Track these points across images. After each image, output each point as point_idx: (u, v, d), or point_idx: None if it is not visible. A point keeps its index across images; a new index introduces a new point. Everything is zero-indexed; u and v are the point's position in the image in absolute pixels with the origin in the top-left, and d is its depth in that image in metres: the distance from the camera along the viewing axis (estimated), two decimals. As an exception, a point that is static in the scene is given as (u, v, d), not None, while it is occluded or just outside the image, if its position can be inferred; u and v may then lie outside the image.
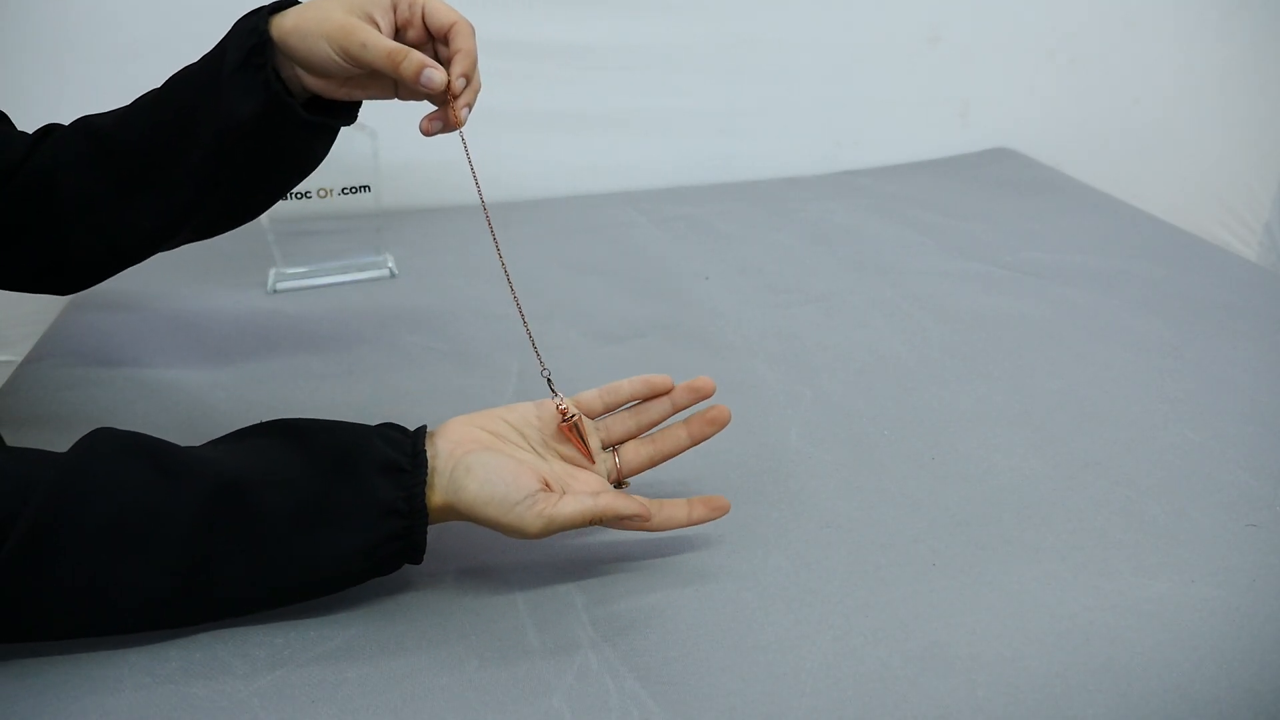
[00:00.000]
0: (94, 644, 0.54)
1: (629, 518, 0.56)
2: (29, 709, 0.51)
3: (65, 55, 1.12)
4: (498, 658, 0.54)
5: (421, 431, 0.58)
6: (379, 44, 0.61)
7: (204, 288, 1.02)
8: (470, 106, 0.64)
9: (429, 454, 0.57)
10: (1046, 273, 1.04)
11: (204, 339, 0.91)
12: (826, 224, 1.19)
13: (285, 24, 0.63)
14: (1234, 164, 1.58)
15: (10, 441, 0.74)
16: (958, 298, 0.98)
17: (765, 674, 0.53)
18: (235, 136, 0.65)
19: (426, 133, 0.64)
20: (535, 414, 0.61)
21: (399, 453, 0.56)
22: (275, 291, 1.02)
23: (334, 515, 0.54)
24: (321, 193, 1.00)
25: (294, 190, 0.98)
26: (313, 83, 0.64)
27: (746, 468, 0.71)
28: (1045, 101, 1.48)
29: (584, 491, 0.57)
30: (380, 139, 0.99)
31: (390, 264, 1.06)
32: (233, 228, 0.75)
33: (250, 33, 0.63)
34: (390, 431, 0.58)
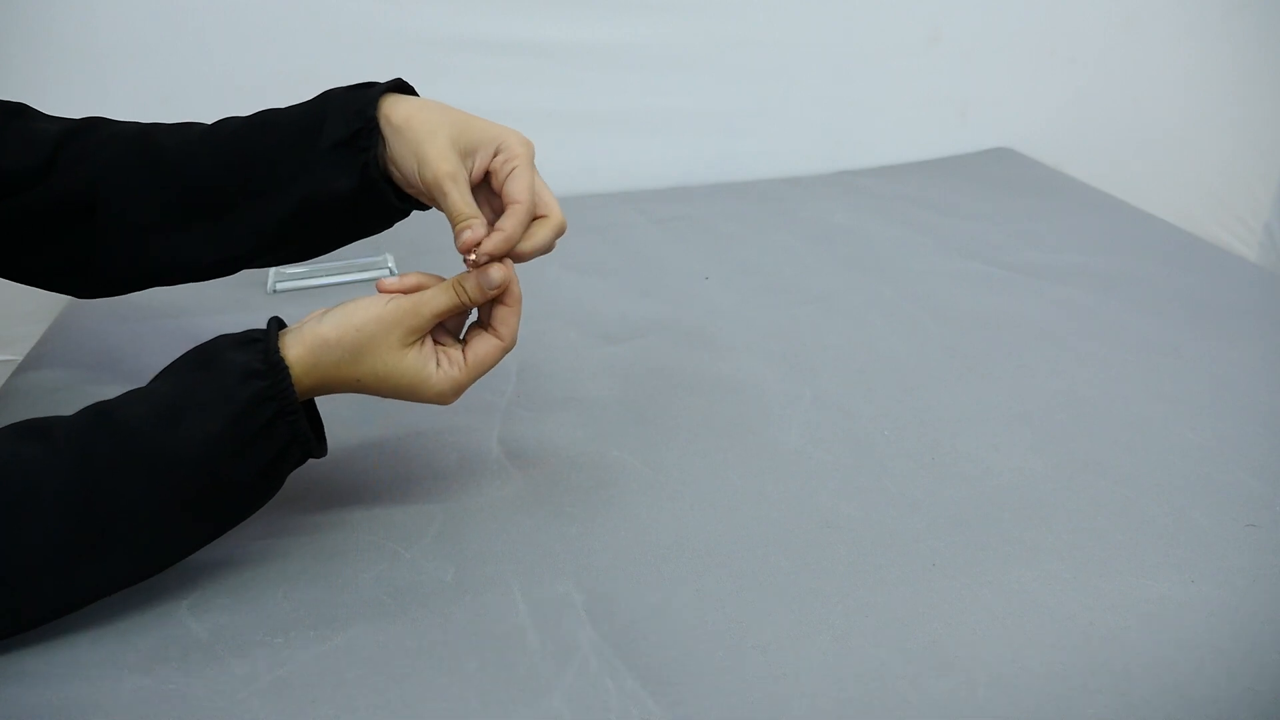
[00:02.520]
0: (93, 643, 0.54)
1: (488, 273, 0.58)
2: (29, 708, 0.50)
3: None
4: (498, 658, 0.54)
5: (274, 319, 0.60)
6: (455, 205, 0.60)
7: (204, 288, 1.02)
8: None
9: (282, 332, 0.58)
10: (1046, 273, 1.04)
11: (203, 339, 0.91)
12: (826, 224, 1.19)
13: (394, 117, 0.62)
14: (1234, 164, 1.58)
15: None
16: (958, 298, 0.98)
17: (765, 674, 0.53)
18: (320, 209, 0.64)
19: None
20: (386, 299, 0.60)
21: (252, 331, 0.57)
22: (275, 291, 1.02)
23: (195, 401, 0.54)
24: (321, 193, 1.00)
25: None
26: (396, 176, 0.64)
27: (746, 468, 0.71)
28: (1045, 101, 1.48)
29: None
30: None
31: (390, 264, 1.06)
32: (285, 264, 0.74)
33: (358, 115, 0.62)
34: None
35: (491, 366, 0.61)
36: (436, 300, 0.58)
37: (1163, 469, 0.70)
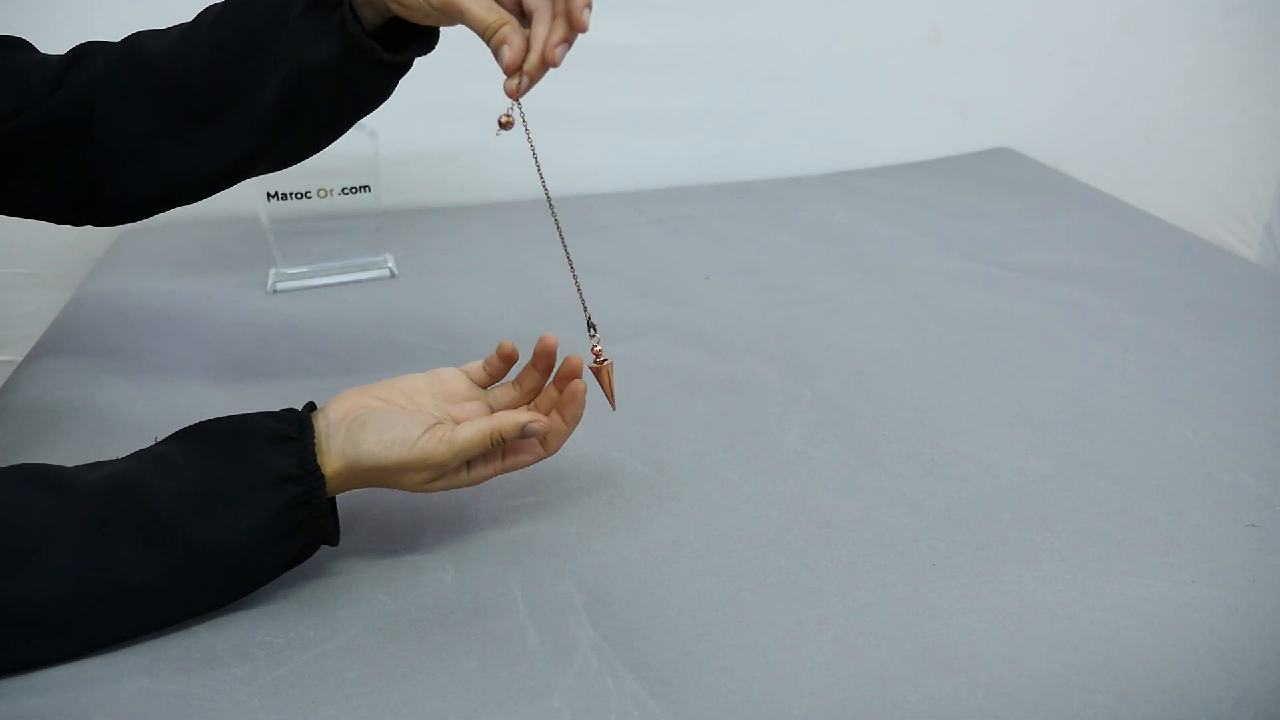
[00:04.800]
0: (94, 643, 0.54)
1: (525, 425, 0.57)
2: (29, 709, 0.51)
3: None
4: (498, 658, 0.54)
5: (309, 406, 0.59)
6: (478, 16, 0.57)
7: (204, 288, 1.02)
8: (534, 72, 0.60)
9: (320, 423, 0.57)
10: (1046, 273, 1.04)
11: (204, 339, 0.91)
12: (826, 224, 1.19)
13: None
14: (1234, 164, 1.58)
15: (11, 441, 0.74)
16: (958, 298, 0.98)
17: (765, 674, 0.53)
18: (307, 83, 0.61)
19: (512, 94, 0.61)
20: (425, 383, 0.61)
21: (285, 424, 0.56)
22: (275, 291, 1.02)
23: (227, 493, 0.53)
24: (321, 193, 1.00)
25: (294, 190, 0.99)
26: (399, 9, 0.60)
27: (746, 468, 0.71)
28: (1045, 101, 1.48)
29: (479, 417, 0.58)
30: (380, 139, 0.99)
31: (390, 264, 1.06)
32: (299, 162, 0.72)
33: None
34: (277, 412, 0.58)
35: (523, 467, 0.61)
36: (471, 449, 0.56)
37: (1163, 469, 0.70)
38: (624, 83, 1.29)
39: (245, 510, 0.53)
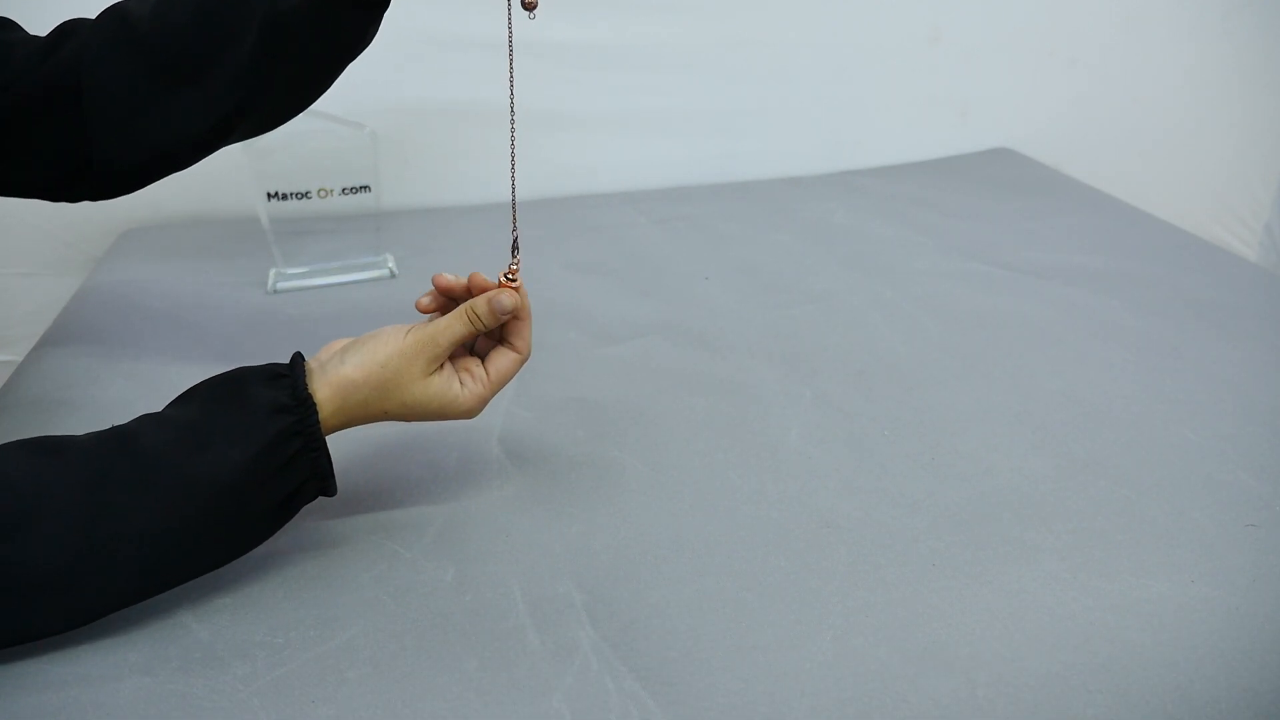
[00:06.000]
0: (94, 643, 0.54)
1: (493, 298, 0.60)
2: (29, 708, 0.51)
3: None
4: (498, 658, 0.54)
5: (298, 354, 0.60)
6: None
7: (204, 287, 1.02)
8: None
9: (311, 362, 0.59)
10: (1046, 273, 1.04)
11: (204, 339, 0.91)
12: (826, 224, 1.19)
13: None
14: (1234, 164, 1.58)
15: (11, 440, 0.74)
16: (958, 298, 0.98)
17: (765, 674, 0.53)
18: (284, 30, 0.62)
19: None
20: (404, 331, 0.61)
21: (277, 365, 0.58)
22: (275, 291, 1.02)
23: (222, 430, 0.54)
24: (321, 193, 1.00)
25: (294, 190, 0.99)
26: None
27: (746, 468, 0.71)
28: (1045, 101, 1.48)
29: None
30: (380, 139, 0.99)
31: (390, 264, 1.06)
32: (289, 119, 0.72)
33: None
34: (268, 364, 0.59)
35: (511, 377, 0.63)
36: (453, 329, 0.60)
37: (1163, 469, 0.70)
38: (624, 83, 1.29)
39: (239, 442, 0.54)
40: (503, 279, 0.62)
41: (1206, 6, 1.47)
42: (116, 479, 0.52)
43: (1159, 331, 0.90)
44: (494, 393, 0.62)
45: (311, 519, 0.65)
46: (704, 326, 0.93)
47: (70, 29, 0.69)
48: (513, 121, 0.62)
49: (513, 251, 0.63)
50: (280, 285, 1.02)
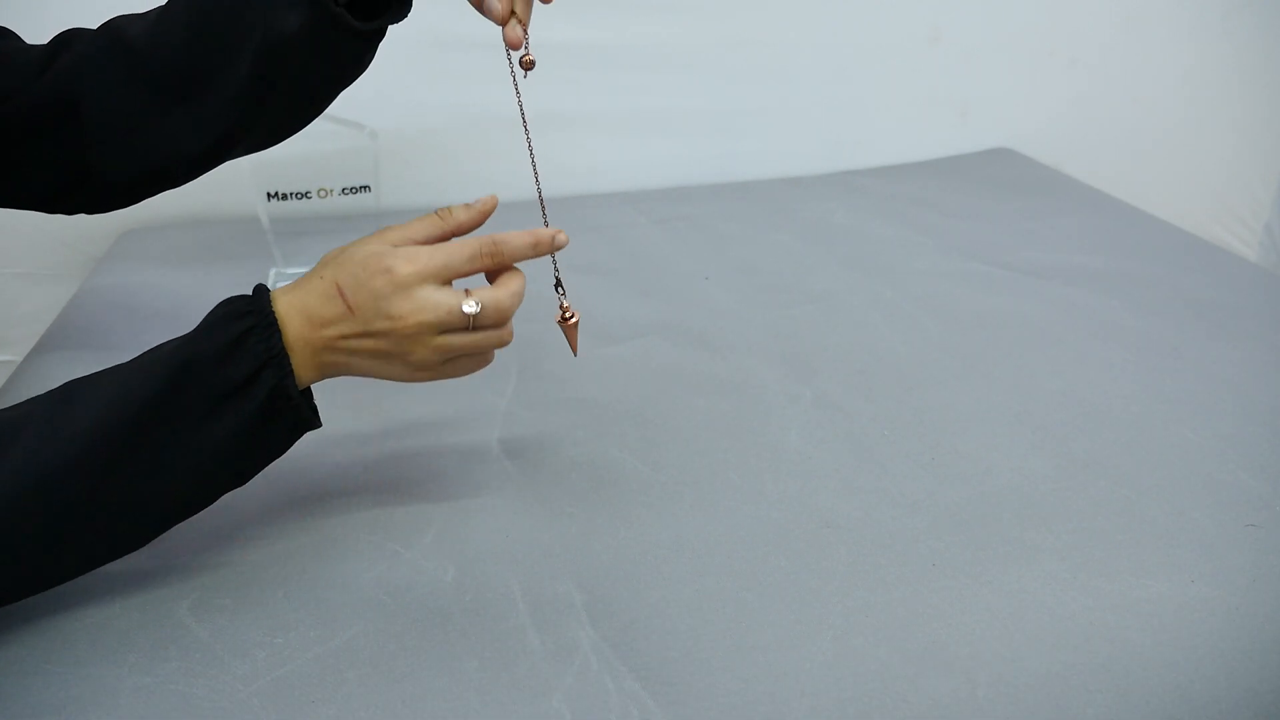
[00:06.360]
0: (94, 643, 0.54)
1: (471, 209, 0.58)
2: (29, 708, 0.51)
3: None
4: (498, 658, 0.54)
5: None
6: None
7: (204, 287, 1.02)
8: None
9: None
10: (1046, 273, 1.04)
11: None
12: (826, 224, 1.19)
13: None
14: (1234, 164, 1.58)
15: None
16: (958, 298, 0.98)
17: (765, 674, 0.53)
18: (281, 54, 0.62)
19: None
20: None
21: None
22: (275, 291, 1.02)
23: (178, 340, 0.54)
24: (321, 193, 1.00)
25: (294, 190, 0.99)
26: None
27: (746, 468, 0.71)
28: (1045, 101, 1.48)
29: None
30: (380, 139, 0.99)
31: (390, 264, 1.06)
32: (284, 140, 0.72)
33: None
34: None
35: (484, 280, 0.60)
36: (414, 224, 0.57)
37: (1163, 469, 0.70)
38: (624, 83, 1.29)
39: (201, 343, 0.53)
40: (560, 323, 0.63)
41: (1206, 6, 1.47)
42: (79, 399, 0.52)
43: (1159, 331, 0.90)
44: (440, 273, 0.55)
45: (311, 518, 0.65)
46: (704, 326, 0.93)
47: (68, 39, 0.68)
48: (536, 178, 0.62)
49: (556, 289, 0.64)
50: (280, 285, 1.02)
